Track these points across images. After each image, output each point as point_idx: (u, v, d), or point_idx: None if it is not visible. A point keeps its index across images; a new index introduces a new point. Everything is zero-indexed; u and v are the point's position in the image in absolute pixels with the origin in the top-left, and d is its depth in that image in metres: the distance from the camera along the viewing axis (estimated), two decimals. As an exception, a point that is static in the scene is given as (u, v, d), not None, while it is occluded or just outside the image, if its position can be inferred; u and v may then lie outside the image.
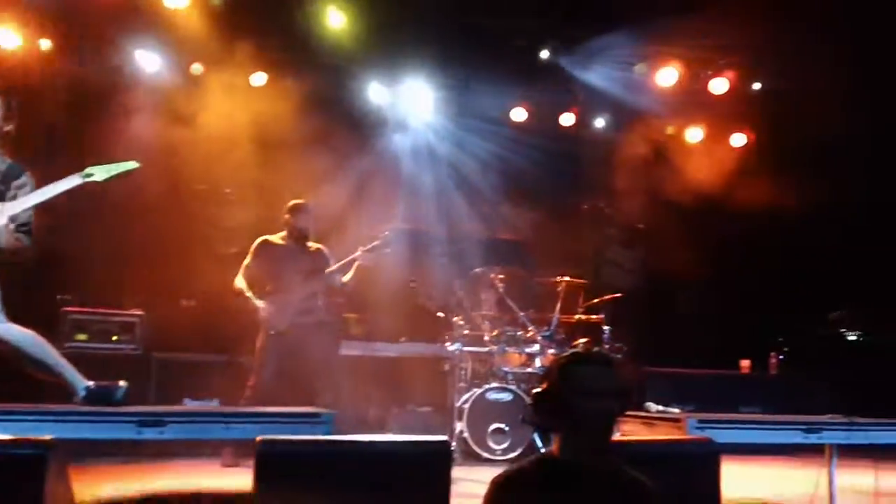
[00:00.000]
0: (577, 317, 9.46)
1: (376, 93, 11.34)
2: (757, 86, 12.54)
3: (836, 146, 11.58)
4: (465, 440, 8.39)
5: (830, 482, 6.59)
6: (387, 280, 9.71)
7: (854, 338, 12.68)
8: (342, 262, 7.77)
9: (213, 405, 7.85)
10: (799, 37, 10.02)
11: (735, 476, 7.42)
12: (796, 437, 6.03)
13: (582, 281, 9.52)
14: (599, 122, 12.94)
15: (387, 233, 7.86)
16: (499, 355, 8.79)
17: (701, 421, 5.41)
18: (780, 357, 11.44)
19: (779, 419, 6.69)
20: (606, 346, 9.04)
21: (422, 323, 9.90)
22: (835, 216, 11.87)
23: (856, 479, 6.90)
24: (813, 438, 5.99)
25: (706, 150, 12.73)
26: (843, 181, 11.42)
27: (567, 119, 12.47)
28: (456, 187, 11.65)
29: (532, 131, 12.04)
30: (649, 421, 5.63)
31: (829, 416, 6.43)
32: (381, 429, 8.95)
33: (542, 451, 3.40)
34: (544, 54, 11.07)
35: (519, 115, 12.16)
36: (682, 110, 12.45)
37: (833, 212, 11.65)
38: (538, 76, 11.39)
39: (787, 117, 11.97)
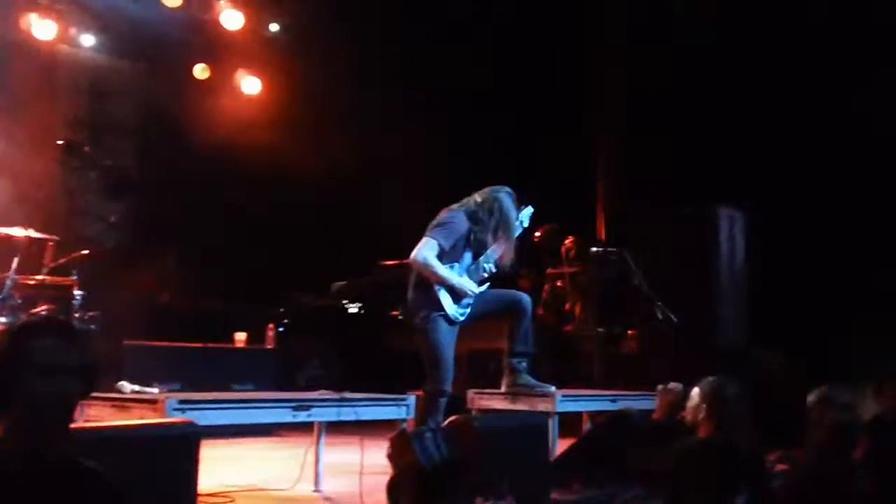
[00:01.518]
0: (40, 278, 8.48)
1: None
2: (274, 27, 12.60)
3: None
4: None
5: (317, 461, 6.82)
6: None
7: (355, 310, 13.19)
8: None
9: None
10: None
11: (221, 461, 7.29)
12: (286, 416, 6.08)
13: (48, 236, 8.60)
14: (87, 40, 11.85)
15: None
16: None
17: (181, 402, 5.25)
18: (280, 329, 11.29)
19: (268, 397, 6.75)
20: (77, 314, 8.40)
21: None
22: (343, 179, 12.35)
23: (344, 455, 7.07)
24: (302, 416, 6.08)
25: (215, 93, 12.37)
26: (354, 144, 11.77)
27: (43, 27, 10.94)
28: None
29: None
30: (121, 403, 5.39)
31: (320, 392, 6.62)
32: None
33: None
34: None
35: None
36: (195, 44, 12.09)
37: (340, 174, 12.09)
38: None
39: (302, 65, 12.17)
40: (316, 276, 12.23)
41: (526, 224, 7.29)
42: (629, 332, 11.07)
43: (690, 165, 11.39)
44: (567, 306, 11.33)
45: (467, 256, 6.94)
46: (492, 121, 12.26)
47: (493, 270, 7.06)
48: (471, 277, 6.93)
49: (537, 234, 10.84)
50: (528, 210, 7.24)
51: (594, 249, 10.63)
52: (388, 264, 9.95)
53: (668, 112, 11.67)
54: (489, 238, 6.98)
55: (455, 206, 7.01)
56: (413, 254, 6.74)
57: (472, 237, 6.92)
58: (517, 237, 7.17)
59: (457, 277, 6.82)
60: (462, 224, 6.88)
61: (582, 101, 12.49)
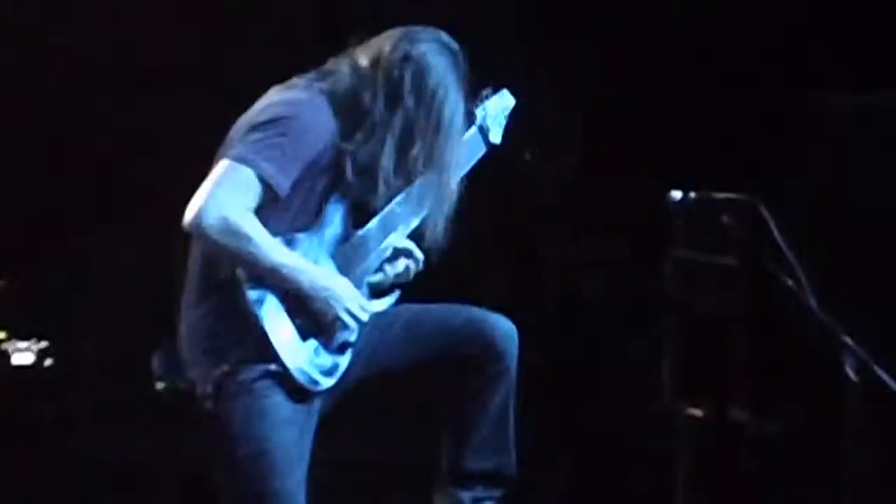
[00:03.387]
0: None
1: None
2: None
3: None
4: None
5: None
6: None
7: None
8: None
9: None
10: None
11: None
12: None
13: None
14: None
15: None
16: None
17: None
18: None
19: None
20: None
21: None
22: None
23: None
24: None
25: None
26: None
27: None
28: None
29: None
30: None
31: None
32: None
33: None
34: None
35: None
36: None
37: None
38: None
39: None
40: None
41: (498, 129, 3.42)
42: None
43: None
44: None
45: (335, 215, 3.07)
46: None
47: (413, 253, 3.24)
48: (348, 268, 3.09)
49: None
50: (502, 97, 3.43)
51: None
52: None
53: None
54: (390, 163, 3.05)
55: (296, 82, 3.14)
56: (191, 212, 2.90)
57: (345, 164, 3.02)
58: (473, 161, 3.36)
59: (310, 269, 2.99)
60: (318, 129, 3.00)
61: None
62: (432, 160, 3.09)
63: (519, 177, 5.95)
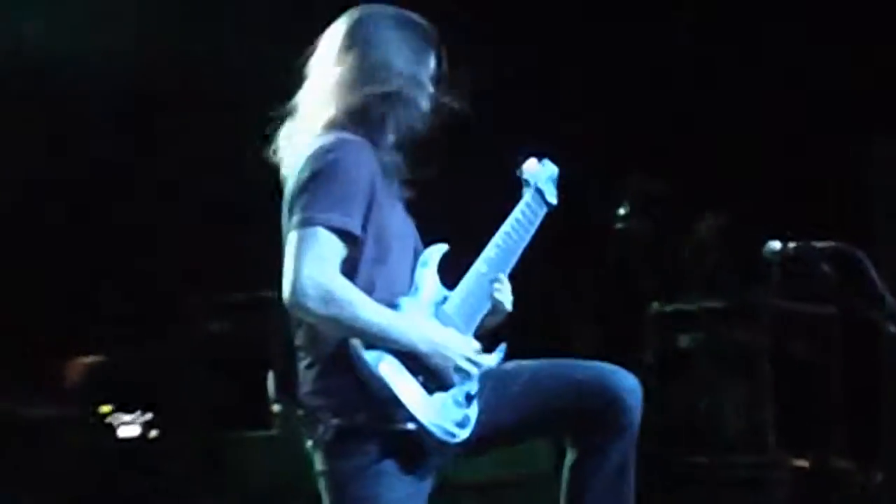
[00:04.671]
0: None
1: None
2: None
3: None
4: None
5: None
6: None
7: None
8: None
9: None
10: None
11: None
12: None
13: None
14: None
15: None
16: None
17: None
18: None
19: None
20: None
21: None
22: None
23: None
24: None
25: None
26: None
27: None
28: None
29: None
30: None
31: None
32: None
33: None
34: None
35: None
36: None
37: None
38: None
39: None
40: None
41: (553, 192, 3.36)
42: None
43: None
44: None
45: (426, 279, 3.04)
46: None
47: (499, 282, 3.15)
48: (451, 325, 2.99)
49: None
50: (546, 165, 3.36)
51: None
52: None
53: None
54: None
55: (302, 126, 3.04)
56: (287, 291, 2.80)
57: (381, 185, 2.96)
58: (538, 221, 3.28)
59: (419, 324, 2.91)
60: (360, 160, 2.92)
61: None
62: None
63: (619, 236, 6.15)
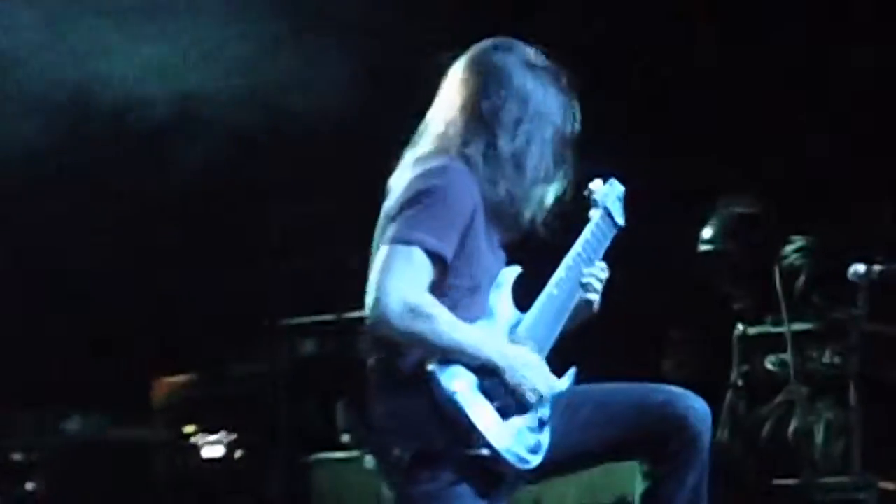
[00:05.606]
0: None
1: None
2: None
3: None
4: None
5: None
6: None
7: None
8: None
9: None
10: None
11: None
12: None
13: None
14: None
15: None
16: None
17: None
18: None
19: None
20: None
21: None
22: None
23: None
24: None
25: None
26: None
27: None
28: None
29: None
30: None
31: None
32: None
33: None
34: None
35: None
36: None
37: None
38: None
39: None
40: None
41: (620, 212, 3.36)
42: None
43: None
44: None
45: (500, 303, 3.05)
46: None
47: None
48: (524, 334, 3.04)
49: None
50: (612, 185, 3.37)
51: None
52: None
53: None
54: (532, 202, 3.10)
55: (425, 151, 3.06)
56: (370, 303, 2.83)
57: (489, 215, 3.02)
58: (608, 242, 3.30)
59: (495, 339, 2.95)
60: (465, 190, 2.94)
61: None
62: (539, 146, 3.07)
63: (704, 259, 6.18)
